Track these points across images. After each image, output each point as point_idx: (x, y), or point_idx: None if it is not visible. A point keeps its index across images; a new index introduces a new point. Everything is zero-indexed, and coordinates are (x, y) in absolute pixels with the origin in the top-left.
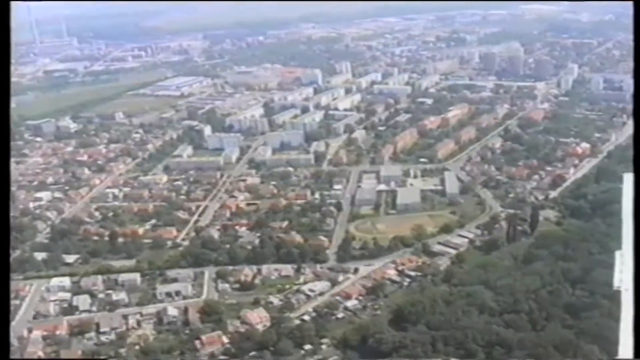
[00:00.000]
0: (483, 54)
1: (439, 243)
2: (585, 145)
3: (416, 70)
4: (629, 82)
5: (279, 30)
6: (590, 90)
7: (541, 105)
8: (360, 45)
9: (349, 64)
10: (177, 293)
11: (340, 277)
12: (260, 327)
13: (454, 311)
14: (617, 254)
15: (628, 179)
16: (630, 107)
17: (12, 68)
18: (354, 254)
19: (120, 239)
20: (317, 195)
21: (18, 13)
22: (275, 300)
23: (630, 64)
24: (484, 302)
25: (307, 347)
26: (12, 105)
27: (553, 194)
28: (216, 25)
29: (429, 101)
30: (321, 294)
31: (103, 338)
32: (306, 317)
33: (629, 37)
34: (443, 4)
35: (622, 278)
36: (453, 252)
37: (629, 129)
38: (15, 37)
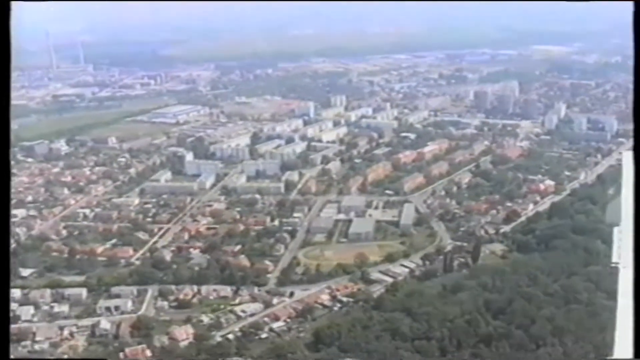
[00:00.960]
0: (477, 92)
1: (380, 271)
2: (549, 182)
3: (408, 106)
4: (611, 123)
5: (290, 63)
6: (573, 130)
7: (520, 143)
8: (363, 80)
9: (344, 98)
10: (117, 308)
11: (275, 300)
12: (184, 343)
13: (367, 335)
14: (616, 230)
15: (627, 156)
16: (606, 147)
17: (24, 92)
18: (294, 279)
19: (78, 256)
20: (276, 222)
21: (38, 37)
22: (207, 319)
23: (621, 105)
24: (399, 328)
25: None
26: (14, 127)
27: (505, 228)
28: (232, 56)
29: (412, 136)
30: (252, 315)
31: (36, 347)
32: (230, 336)
33: (628, 79)
34: (457, 42)
35: (621, 254)
36: (390, 280)
37: (600, 168)
38: (34, 61)
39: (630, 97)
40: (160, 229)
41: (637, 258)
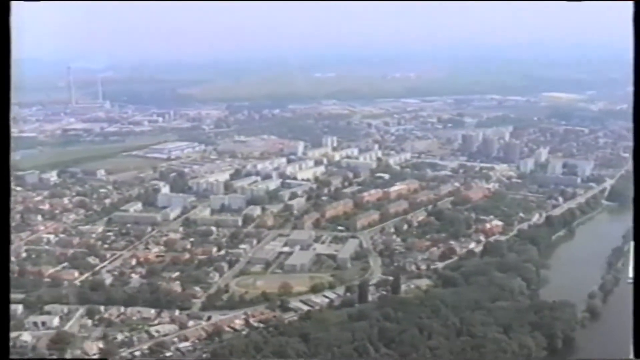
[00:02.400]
0: (464, 136)
1: (301, 301)
2: (497, 223)
3: (395, 148)
4: (586, 168)
5: (299, 105)
6: (547, 174)
7: (488, 185)
8: (363, 122)
9: (335, 139)
10: (43, 323)
11: (191, 323)
12: (93, 357)
13: (255, 357)
14: (632, 244)
15: None
16: (572, 190)
17: (38, 125)
18: (217, 305)
19: (26, 276)
20: (222, 252)
21: (60, 72)
22: (121, 336)
23: (606, 151)
24: (286, 351)
25: None
26: (17, 157)
27: (439, 265)
28: (247, 96)
29: (386, 176)
30: (165, 335)
31: None
32: (137, 353)
33: (624, 125)
34: (473, 88)
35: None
36: (306, 309)
37: (558, 210)
38: (55, 96)
39: (620, 143)
40: (112, 255)
41: (637, 258)
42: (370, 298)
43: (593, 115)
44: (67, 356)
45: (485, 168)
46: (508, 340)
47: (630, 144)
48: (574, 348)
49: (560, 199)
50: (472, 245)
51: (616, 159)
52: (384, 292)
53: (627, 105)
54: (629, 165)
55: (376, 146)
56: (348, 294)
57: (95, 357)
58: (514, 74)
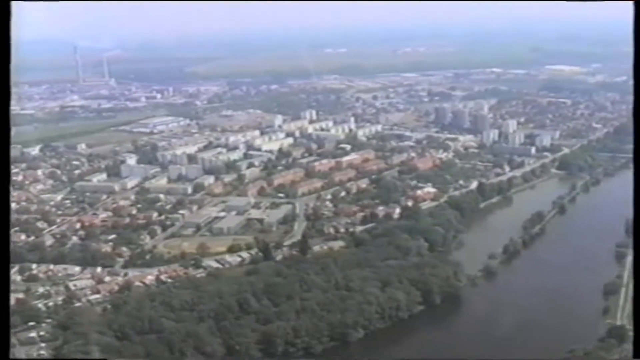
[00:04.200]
0: (436, 109)
1: (215, 260)
2: (429, 190)
3: (371, 120)
4: (544, 139)
5: (298, 80)
6: (507, 144)
7: (441, 155)
8: (353, 97)
9: (314, 112)
10: None
11: (107, 278)
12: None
13: (146, 306)
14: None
15: None
16: (519, 159)
17: (41, 102)
18: (137, 263)
19: None
20: (162, 217)
21: (71, 52)
22: (41, 289)
23: (579, 121)
24: (172, 302)
25: (31, 323)
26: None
27: (359, 228)
28: (250, 73)
29: (348, 147)
30: (81, 289)
31: None
32: (50, 304)
33: (611, 97)
34: (480, 62)
35: None
36: (216, 266)
37: (497, 178)
38: (62, 75)
39: (597, 114)
40: (63, 220)
41: (637, 257)
42: (280, 258)
43: (586, 87)
44: None
45: (449, 139)
46: (378, 294)
47: (609, 115)
48: (453, 304)
49: (507, 168)
50: (398, 210)
51: (585, 130)
52: (294, 252)
53: (627, 77)
54: (596, 135)
55: (352, 119)
56: (260, 254)
57: (13, 307)
58: (524, 48)
